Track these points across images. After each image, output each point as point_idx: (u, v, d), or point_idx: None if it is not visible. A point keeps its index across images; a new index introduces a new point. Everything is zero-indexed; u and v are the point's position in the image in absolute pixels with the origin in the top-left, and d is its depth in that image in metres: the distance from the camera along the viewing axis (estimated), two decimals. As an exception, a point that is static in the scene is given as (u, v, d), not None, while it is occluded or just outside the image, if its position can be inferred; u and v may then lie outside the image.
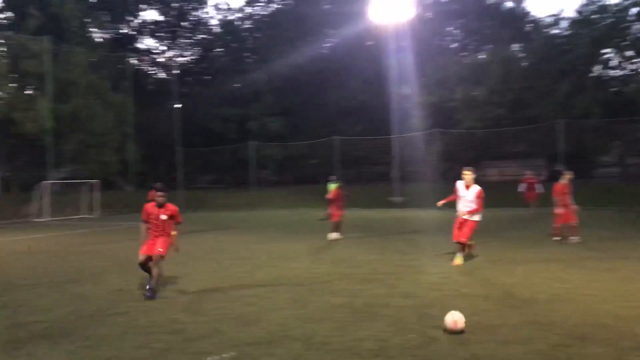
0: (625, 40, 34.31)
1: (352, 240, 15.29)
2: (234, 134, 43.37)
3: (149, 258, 8.38)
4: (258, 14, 54.68)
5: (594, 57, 35.14)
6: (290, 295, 8.17)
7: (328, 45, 49.21)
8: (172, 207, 8.84)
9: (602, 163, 42.35)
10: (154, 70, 56.39)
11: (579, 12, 36.60)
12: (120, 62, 42.18)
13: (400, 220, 22.44)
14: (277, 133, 43.03)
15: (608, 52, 35.36)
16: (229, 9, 55.93)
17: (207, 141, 42.72)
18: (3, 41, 37.63)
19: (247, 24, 54.99)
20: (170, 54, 54.86)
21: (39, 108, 33.77)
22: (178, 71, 46.89)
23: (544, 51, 35.76)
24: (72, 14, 38.86)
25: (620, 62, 36.12)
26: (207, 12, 57.04)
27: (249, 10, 55.07)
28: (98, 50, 40.56)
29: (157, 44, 56.23)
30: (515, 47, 39.76)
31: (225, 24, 55.02)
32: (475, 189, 10.53)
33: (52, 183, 31.62)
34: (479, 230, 11.11)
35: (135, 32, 54.16)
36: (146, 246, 8.51)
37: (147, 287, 8.27)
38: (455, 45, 45.59)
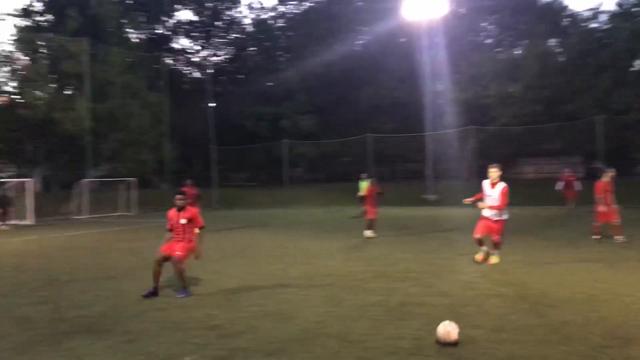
0: (667, 34, 33.32)
1: (386, 238, 15.23)
2: (267, 132, 43.64)
3: (166, 258, 8.26)
4: (291, 13, 54.88)
5: (635, 51, 34.21)
6: (325, 293, 8.19)
7: (360, 42, 49.05)
8: (192, 210, 8.75)
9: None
10: (189, 69, 57.16)
11: (619, 5, 35.75)
12: (155, 62, 42.88)
13: (434, 218, 22.26)
14: (309, 131, 43.12)
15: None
16: (262, 8, 56.35)
17: (240, 140, 43.11)
18: (44, 43, 38.68)
19: (280, 23, 55.22)
20: (204, 53, 55.58)
21: (78, 108, 34.56)
22: (212, 70, 47.46)
23: (582, 46, 34.94)
24: (109, 15, 39.67)
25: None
26: (240, 12, 57.53)
27: (281, 9, 55.34)
28: (134, 50, 41.29)
29: (192, 44, 57.03)
30: (552, 42, 38.92)
31: (258, 23, 55.39)
32: (501, 186, 10.14)
33: (90, 181, 32.35)
34: (513, 228, 10.95)
35: (170, 33, 55.00)
36: (166, 247, 8.43)
37: (156, 293, 8.26)
38: (489, 41, 44.92)
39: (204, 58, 53.71)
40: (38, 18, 43.01)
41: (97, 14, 39.17)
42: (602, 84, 32.77)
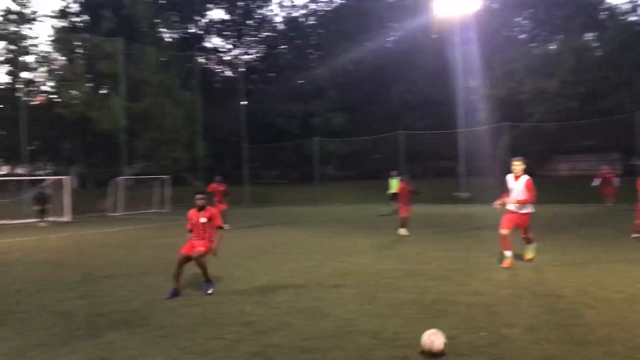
0: None
1: (418, 236, 15.11)
2: (298, 129, 43.78)
3: (188, 258, 8.24)
4: (322, 10, 54.94)
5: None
6: (357, 291, 8.17)
7: (392, 39, 48.82)
8: (211, 210, 8.73)
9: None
10: (220, 68, 57.73)
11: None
12: (188, 61, 43.40)
13: (467, 216, 21.99)
14: (340, 128, 43.10)
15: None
16: (294, 6, 56.65)
17: (271, 137, 43.35)
18: (80, 43, 39.56)
19: (311, 20, 55.32)
20: (236, 52, 56.07)
21: (113, 107, 35.23)
22: (243, 69, 47.81)
23: (621, 40, 34.07)
24: (142, 15, 40.31)
25: None
26: (271, 10, 58.12)
27: (312, 6, 55.47)
28: (167, 49, 41.88)
29: (224, 43, 57.60)
30: (589, 36, 38.09)
31: (290, 20, 55.62)
32: (524, 179, 9.77)
33: (125, 179, 32.92)
34: (548, 226, 10.72)
35: (202, 32, 55.66)
36: (187, 246, 8.43)
37: (178, 293, 8.19)
38: (523, 36, 44.16)
39: (236, 57, 54.25)
40: (74, 19, 44.04)
41: (130, 14, 39.89)
42: (641, 79, 31.95)
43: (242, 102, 39.47)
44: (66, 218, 26.24)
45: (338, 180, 45.48)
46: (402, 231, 15.51)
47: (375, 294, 7.94)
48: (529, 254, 10.17)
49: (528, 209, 9.87)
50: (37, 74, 39.55)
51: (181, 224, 22.25)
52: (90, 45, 38.28)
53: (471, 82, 36.47)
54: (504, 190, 10.13)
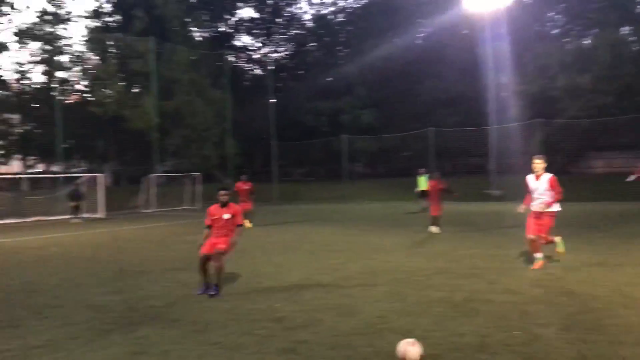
0: None
1: (449, 234, 14.99)
2: (327, 127, 43.73)
3: (209, 257, 8.19)
4: (351, 7, 54.77)
5: None
6: (388, 288, 8.16)
7: (421, 35, 48.41)
8: (235, 206, 8.70)
9: None
10: (250, 66, 58.05)
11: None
12: (218, 59, 43.79)
13: (498, 213, 21.68)
14: (369, 126, 42.91)
15: None
16: (322, 3, 56.45)
17: (300, 135, 43.42)
18: (112, 43, 40.26)
19: (340, 18, 55.21)
20: (265, 50, 56.32)
21: (145, 105, 35.77)
22: (273, 67, 48.00)
23: (659, 33, 33.23)
24: (174, 14, 40.80)
25: None
26: (300, 8, 58.19)
27: (341, 3, 55.33)
28: (198, 48, 42.30)
29: (253, 41, 57.90)
30: (625, 30, 37.16)
31: (318, 18, 55.59)
32: (547, 177, 9.45)
33: (157, 176, 33.44)
34: (583, 225, 10.49)
35: (232, 30, 56.02)
36: (207, 245, 8.30)
37: (210, 286, 8.16)
38: (556, 31, 43.27)
39: (265, 55, 54.49)
40: (107, 19, 44.79)
41: (162, 14, 40.38)
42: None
43: (271, 100, 39.64)
44: (100, 214, 26.80)
45: (367, 178, 45.33)
46: (434, 229, 15.43)
47: (405, 291, 7.91)
48: (559, 248, 9.83)
49: (554, 208, 9.46)
50: (71, 74, 40.42)
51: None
52: (123, 45, 38.92)
53: (502, 79, 35.89)
54: (525, 192, 9.80)
